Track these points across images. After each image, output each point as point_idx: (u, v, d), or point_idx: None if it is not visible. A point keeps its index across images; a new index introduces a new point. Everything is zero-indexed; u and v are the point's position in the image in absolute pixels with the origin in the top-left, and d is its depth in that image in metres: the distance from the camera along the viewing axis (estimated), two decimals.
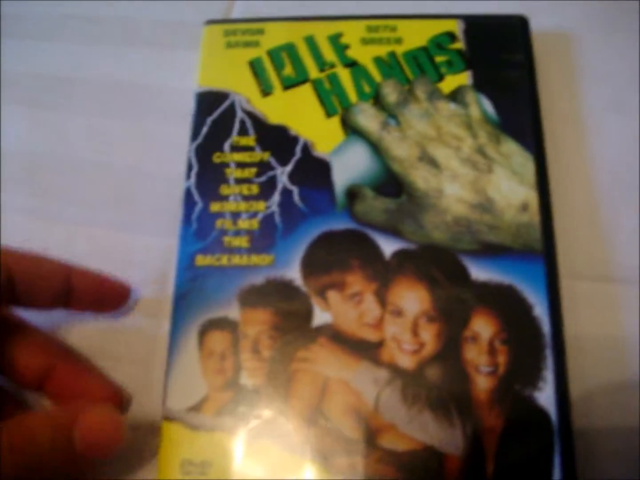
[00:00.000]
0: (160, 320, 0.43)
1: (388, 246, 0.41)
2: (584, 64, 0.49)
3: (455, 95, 0.45)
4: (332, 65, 0.46)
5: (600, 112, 0.47)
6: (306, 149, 0.44)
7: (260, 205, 0.43)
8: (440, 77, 0.45)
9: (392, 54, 0.46)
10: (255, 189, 0.43)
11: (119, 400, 0.40)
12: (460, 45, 0.46)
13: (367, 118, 0.44)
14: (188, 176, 0.44)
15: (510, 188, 0.42)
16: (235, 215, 0.42)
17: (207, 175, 0.44)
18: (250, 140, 0.44)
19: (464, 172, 0.42)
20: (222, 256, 0.41)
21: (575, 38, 0.50)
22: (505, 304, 0.39)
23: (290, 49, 0.47)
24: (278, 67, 0.46)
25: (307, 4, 0.52)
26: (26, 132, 0.50)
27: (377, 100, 0.45)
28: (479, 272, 0.40)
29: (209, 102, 0.46)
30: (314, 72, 0.46)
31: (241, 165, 0.44)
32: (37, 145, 0.49)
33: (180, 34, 0.52)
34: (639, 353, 0.40)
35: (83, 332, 0.43)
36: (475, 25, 0.47)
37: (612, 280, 0.43)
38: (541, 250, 0.40)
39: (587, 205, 0.45)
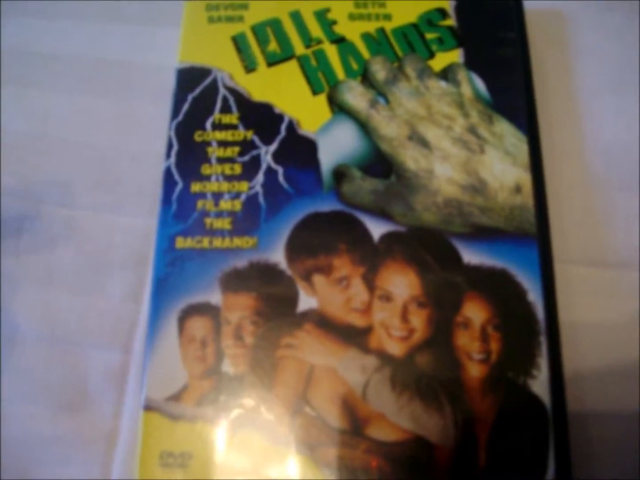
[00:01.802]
0: (140, 304, 0.42)
1: (376, 229, 0.40)
2: (578, 43, 0.48)
3: (446, 73, 0.43)
4: (319, 41, 0.45)
5: (594, 92, 0.46)
6: (291, 127, 0.42)
7: (243, 186, 0.41)
8: (431, 55, 0.44)
9: (381, 31, 0.45)
10: (238, 169, 0.41)
11: None
12: (451, 22, 0.45)
13: (355, 96, 0.43)
14: (168, 155, 0.42)
15: (503, 169, 0.40)
16: (217, 196, 0.41)
17: (188, 154, 0.42)
18: (233, 118, 0.43)
19: (455, 153, 0.41)
20: (203, 238, 0.40)
21: (570, 16, 0.49)
22: (498, 289, 0.38)
23: (275, 25, 0.45)
24: (262, 42, 0.45)
25: None
26: (7, 110, 0.48)
27: (366, 77, 0.43)
28: (471, 255, 0.39)
29: (190, 78, 0.44)
30: (299, 48, 0.45)
31: (223, 144, 0.42)
32: (18, 123, 0.48)
33: (164, 9, 0.50)
34: (639, 338, 0.40)
35: (58, 316, 0.42)
36: (467, 1, 0.46)
37: (606, 265, 0.42)
38: (535, 234, 0.39)
39: (581, 187, 0.44)
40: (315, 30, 0.45)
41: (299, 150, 0.42)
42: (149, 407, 0.37)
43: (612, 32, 0.48)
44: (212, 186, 0.41)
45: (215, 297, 0.39)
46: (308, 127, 0.42)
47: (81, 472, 0.39)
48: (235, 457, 0.36)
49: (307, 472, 0.35)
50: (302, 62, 0.44)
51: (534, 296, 0.38)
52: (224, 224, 0.40)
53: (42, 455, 0.39)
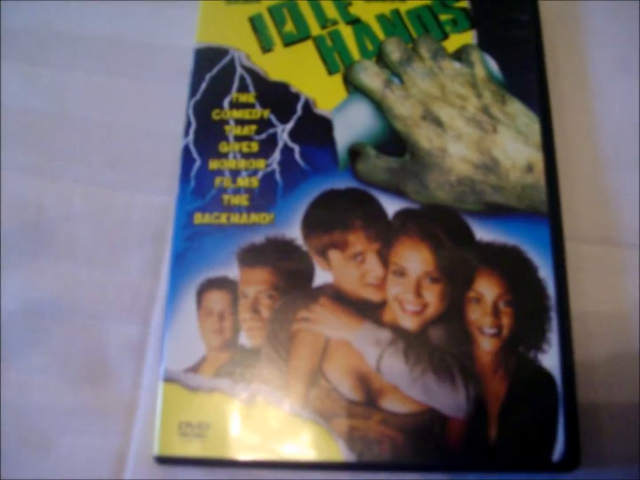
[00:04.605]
0: (158, 279, 0.42)
1: (391, 206, 0.40)
2: (590, 25, 0.48)
3: (459, 54, 0.44)
4: (334, 22, 0.45)
5: (606, 74, 0.47)
6: (307, 106, 0.43)
7: (260, 163, 0.42)
8: (445, 36, 0.45)
9: (396, 12, 0.45)
10: (255, 147, 0.42)
11: None
12: (465, 3, 0.45)
13: (370, 76, 0.43)
14: (186, 133, 0.43)
15: (515, 148, 0.41)
16: (235, 173, 0.42)
17: (206, 132, 0.43)
18: (250, 97, 0.43)
19: (468, 132, 0.41)
20: (221, 214, 0.41)
21: None
22: (510, 266, 0.39)
23: (291, 6, 0.46)
24: (279, 23, 0.45)
25: None
26: (26, 89, 0.49)
27: (380, 58, 0.44)
28: (484, 232, 0.39)
29: (208, 58, 0.45)
30: (315, 29, 0.45)
31: (241, 122, 0.43)
32: (37, 102, 0.48)
33: None
34: None
35: (77, 289, 0.43)
36: None
37: (616, 243, 0.42)
38: (546, 212, 0.40)
39: (592, 167, 0.44)
40: (331, 11, 0.46)
41: (315, 129, 0.42)
42: (168, 379, 0.38)
43: (623, 14, 0.48)
44: (230, 163, 0.42)
45: (232, 271, 0.39)
46: (324, 106, 0.43)
47: (101, 441, 0.39)
48: (251, 427, 0.37)
49: (321, 442, 0.36)
50: (318, 42, 0.45)
51: (545, 273, 0.38)
52: (242, 200, 0.41)
53: (64, 425, 0.40)
